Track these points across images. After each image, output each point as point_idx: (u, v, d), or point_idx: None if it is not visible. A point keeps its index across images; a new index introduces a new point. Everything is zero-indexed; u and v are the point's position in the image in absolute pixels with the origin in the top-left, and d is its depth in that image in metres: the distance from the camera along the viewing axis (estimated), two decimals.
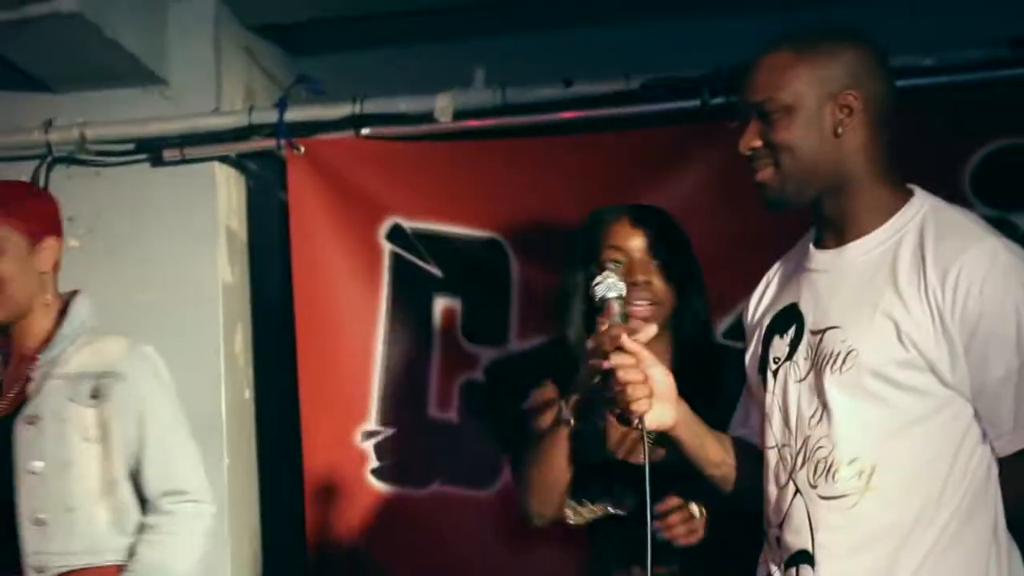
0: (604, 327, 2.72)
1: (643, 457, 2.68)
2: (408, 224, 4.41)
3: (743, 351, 2.85)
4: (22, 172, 4.59)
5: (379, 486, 4.38)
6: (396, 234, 4.41)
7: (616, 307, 2.74)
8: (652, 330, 2.76)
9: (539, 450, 3.02)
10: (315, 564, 4.34)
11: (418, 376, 4.39)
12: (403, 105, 4.44)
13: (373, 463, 4.38)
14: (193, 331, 4.40)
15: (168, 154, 4.49)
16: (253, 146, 4.53)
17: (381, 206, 4.41)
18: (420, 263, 4.41)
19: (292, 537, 4.45)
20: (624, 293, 2.75)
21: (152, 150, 4.52)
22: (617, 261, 3.07)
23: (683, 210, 4.20)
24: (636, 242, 3.13)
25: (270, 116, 4.48)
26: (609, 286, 2.75)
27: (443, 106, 4.39)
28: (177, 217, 4.51)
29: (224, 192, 4.56)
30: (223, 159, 4.57)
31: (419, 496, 4.36)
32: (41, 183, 4.52)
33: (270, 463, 4.68)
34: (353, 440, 4.38)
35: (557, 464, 2.99)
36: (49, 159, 4.54)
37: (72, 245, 4.45)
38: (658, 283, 3.12)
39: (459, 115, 4.41)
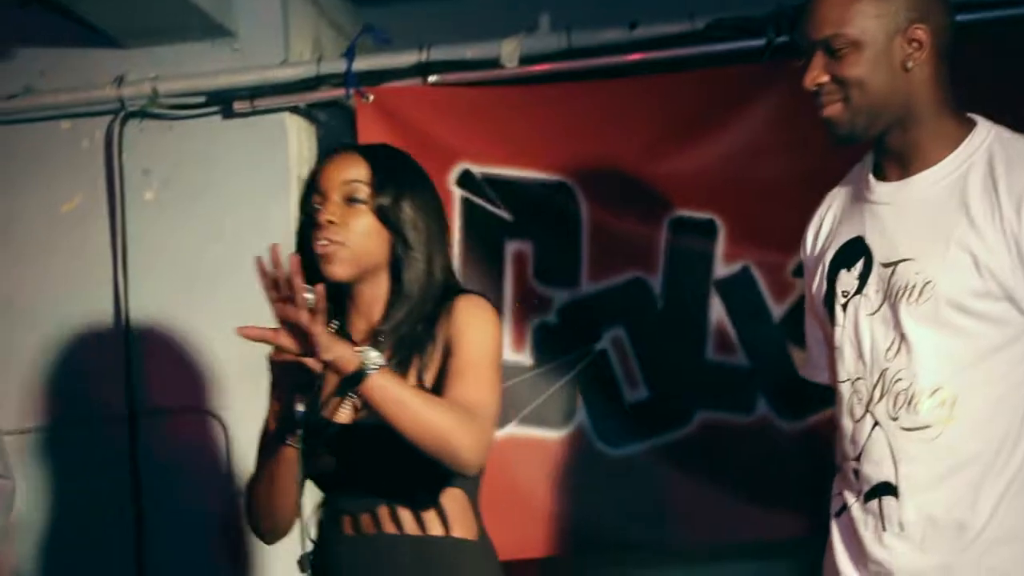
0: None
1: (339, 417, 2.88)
2: (478, 169, 4.43)
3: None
4: (95, 127, 4.65)
5: None
6: (466, 179, 4.43)
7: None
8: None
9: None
10: None
11: None
12: (469, 52, 4.46)
13: None
14: None
15: (238, 106, 4.53)
16: (322, 96, 4.55)
17: (450, 152, 4.44)
18: (491, 208, 4.43)
19: None
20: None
21: (222, 103, 4.56)
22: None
23: (749, 150, 4.27)
24: (333, 182, 2.94)
25: (338, 66, 4.50)
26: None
27: (509, 52, 4.41)
28: (249, 168, 4.56)
29: (294, 142, 4.60)
30: (292, 110, 4.60)
31: (496, 439, 4.36)
32: (115, 138, 4.57)
33: None
34: None
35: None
36: (122, 114, 4.59)
37: (147, 199, 4.53)
38: (357, 224, 2.92)
39: (525, 60, 4.42)
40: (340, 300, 2.97)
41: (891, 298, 2.65)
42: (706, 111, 4.32)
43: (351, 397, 2.83)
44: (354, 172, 2.95)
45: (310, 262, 2.87)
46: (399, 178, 2.98)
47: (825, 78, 2.67)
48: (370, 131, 4.44)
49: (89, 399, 4.54)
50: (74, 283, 4.60)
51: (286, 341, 2.68)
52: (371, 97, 4.45)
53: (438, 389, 2.84)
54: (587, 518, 4.38)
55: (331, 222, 2.90)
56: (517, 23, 4.45)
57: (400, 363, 2.86)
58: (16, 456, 4.42)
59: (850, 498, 2.74)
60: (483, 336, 2.90)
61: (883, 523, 2.67)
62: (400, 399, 2.69)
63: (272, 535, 3.00)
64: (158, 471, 4.47)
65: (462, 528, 2.92)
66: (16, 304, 4.60)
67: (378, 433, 2.76)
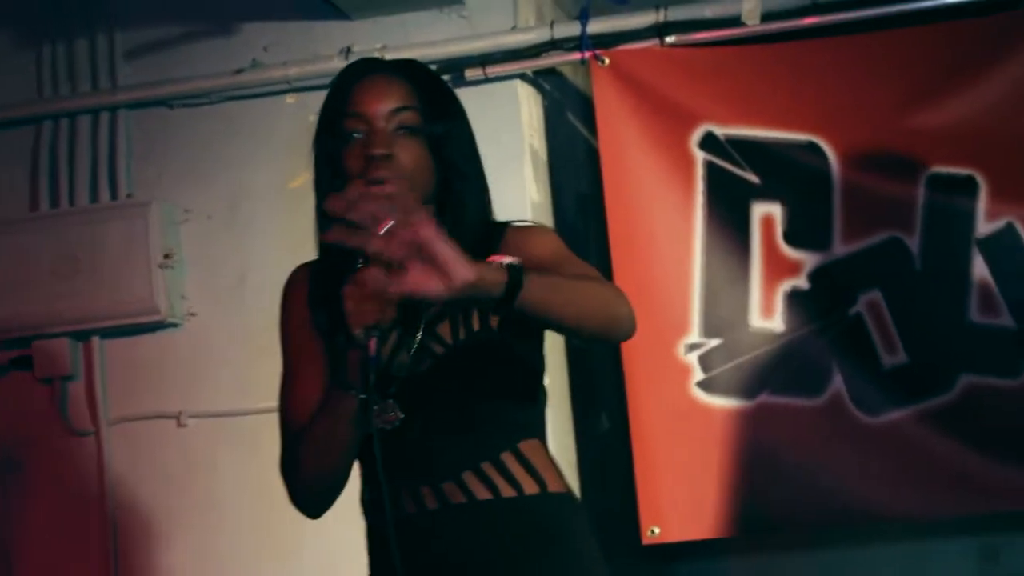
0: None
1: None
2: (721, 131, 4.32)
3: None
4: (321, 100, 4.53)
5: (706, 399, 4.31)
6: (709, 142, 4.33)
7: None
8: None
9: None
10: (643, 476, 4.27)
11: (739, 285, 4.32)
12: (708, 10, 4.35)
13: (699, 376, 4.30)
14: None
15: (470, 74, 4.44)
16: (556, 60, 4.47)
17: (692, 114, 4.33)
18: (735, 170, 4.32)
19: (614, 459, 4.41)
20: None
21: (453, 71, 4.46)
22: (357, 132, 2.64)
23: (1010, 102, 4.12)
24: (379, 108, 2.62)
25: (571, 29, 4.41)
26: None
27: (750, 9, 4.29)
28: (483, 137, 4.39)
29: (526, 110, 4.51)
30: (522, 77, 4.50)
31: (747, 408, 4.29)
32: None
33: (581, 381, 4.64)
34: (676, 353, 4.31)
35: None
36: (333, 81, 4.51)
37: None
38: (406, 156, 2.61)
39: (766, 17, 4.30)
40: None
41: None
42: (963, 63, 4.18)
43: (407, 345, 2.50)
44: (402, 97, 2.63)
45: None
46: (446, 103, 2.71)
47: None
48: (606, 95, 4.36)
49: None
50: (304, 259, 4.52)
51: (421, 281, 2.19)
52: (607, 60, 4.35)
53: (506, 331, 2.60)
54: (843, 487, 4.26)
55: (388, 156, 2.58)
56: None
57: (461, 305, 2.55)
58: (261, 434, 4.41)
59: None
60: (558, 243, 2.64)
61: None
62: (557, 286, 2.38)
63: (326, 505, 2.67)
64: None
65: (554, 482, 2.66)
66: (248, 281, 4.55)
67: (452, 385, 2.59)
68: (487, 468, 2.63)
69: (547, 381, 2.79)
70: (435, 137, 2.65)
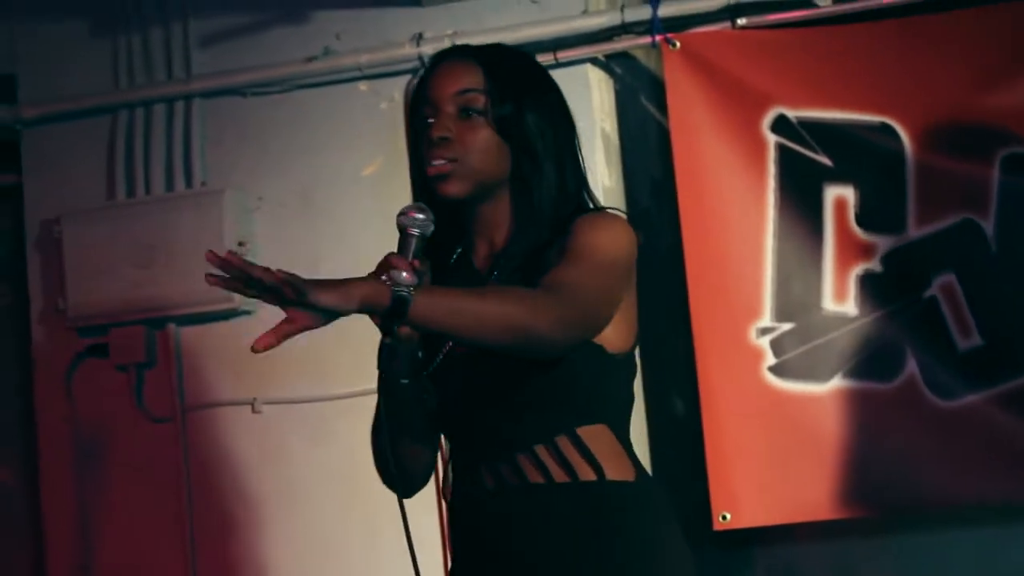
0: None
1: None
2: (793, 113, 4.29)
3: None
4: (394, 87, 4.61)
5: (778, 383, 4.28)
6: (781, 125, 4.29)
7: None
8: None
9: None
10: (714, 461, 4.26)
11: (812, 268, 4.28)
12: None
13: (770, 360, 4.28)
14: None
15: (541, 59, 4.35)
16: (626, 44, 4.47)
17: (764, 97, 4.31)
18: (808, 153, 4.29)
19: (685, 444, 4.39)
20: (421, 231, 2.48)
21: None
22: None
23: None
24: (444, 92, 2.64)
25: (642, 13, 4.40)
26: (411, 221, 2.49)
27: None
28: None
29: (597, 94, 4.51)
30: (593, 61, 4.49)
31: (820, 392, 4.25)
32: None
33: (653, 365, 4.60)
34: (748, 337, 4.28)
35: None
36: (421, 72, 4.51)
37: None
38: (475, 138, 2.63)
39: None
40: (461, 224, 2.72)
41: None
42: None
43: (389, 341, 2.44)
44: (468, 79, 2.65)
45: (424, 182, 2.65)
46: (519, 83, 2.69)
47: None
48: (677, 78, 4.35)
49: None
50: (378, 247, 4.51)
51: (302, 320, 2.34)
52: (678, 44, 4.34)
53: None
54: (918, 472, 4.21)
55: (444, 138, 2.61)
56: None
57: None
58: (334, 421, 4.45)
59: None
60: (601, 236, 2.61)
61: None
62: (455, 308, 2.40)
63: (404, 485, 2.69)
64: None
65: (615, 469, 2.63)
66: (322, 269, 4.56)
67: (507, 364, 2.57)
68: (541, 451, 2.63)
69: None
70: (503, 118, 2.65)
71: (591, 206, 2.75)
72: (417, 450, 2.74)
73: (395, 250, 2.50)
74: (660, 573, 2.63)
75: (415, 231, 2.51)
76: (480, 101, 2.65)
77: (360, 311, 2.33)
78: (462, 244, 2.75)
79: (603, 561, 2.59)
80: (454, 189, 2.63)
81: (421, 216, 2.51)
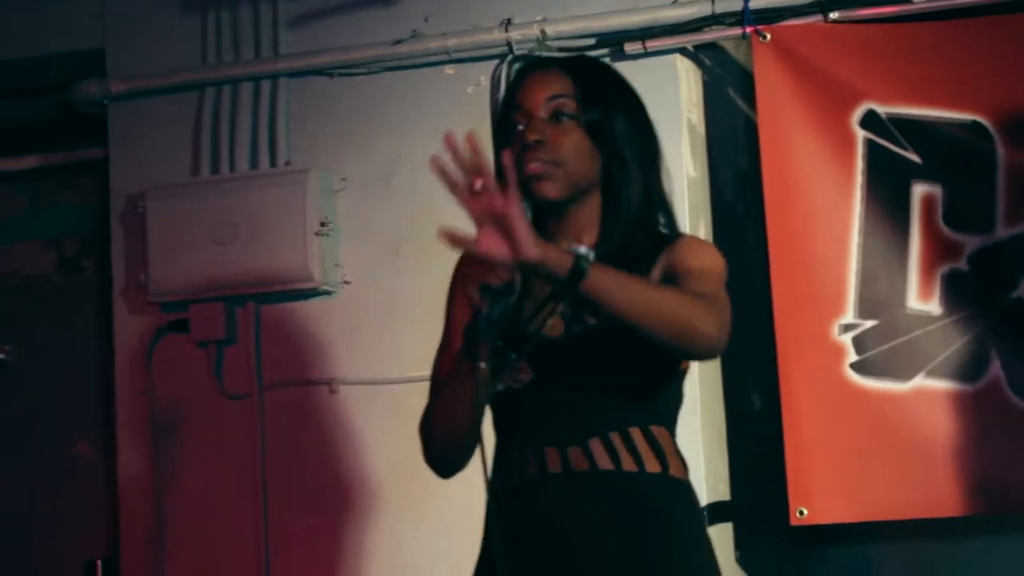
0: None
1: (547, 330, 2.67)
2: (883, 109, 4.26)
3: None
4: (481, 72, 4.60)
5: (859, 381, 4.25)
6: (870, 120, 4.26)
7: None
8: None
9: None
10: (793, 456, 4.23)
11: (897, 266, 4.25)
12: None
13: (852, 357, 4.25)
14: None
15: (629, 48, 4.42)
16: (716, 35, 4.43)
17: (854, 92, 4.28)
18: (897, 149, 4.25)
19: (764, 439, 4.37)
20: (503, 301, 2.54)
21: (611, 45, 4.45)
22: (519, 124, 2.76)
23: None
24: (536, 98, 2.74)
25: (733, 4, 4.37)
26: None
27: None
28: None
29: (685, 85, 4.48)
30: (681, 51, 4.47)
31: (902, 391, 4.22)
32: (501, 83, 4.51)
33: (732, 359, 4.58)
34: (831, 334, 4.26)
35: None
36: (509, 57, 4.52)
37: None
38: (567, 141, 2.73)
39: None
40: (543, 224, 2.77)
41: None
42: None
43: (559, 310, 2.61)
44: (558, 86, 2.75)
45: (521, 183, 2.66)
46: (607, 90, 2.81)
47: None
48: (767, 71, 4.32)
49: None
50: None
51: (490, 244, 2.44)
52: (768, 36, 4.31)
53: None
54: (999, 477, 4.18)
55: (539, 141, 2.70)
56: None
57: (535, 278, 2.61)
58: (411, 402, 4.43)
59: None
60: (710, 261, 2.73)
61: None
62: (626, 285, 2.51)
63: (454, 466, 2.79)
64: None
65: (675, 467, 2.72)
66: (402, 251, 4.58)
67: (594, 351, 2.65)
68: (614, 438, 2.68)
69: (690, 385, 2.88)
70: (593, 124, 2.74)
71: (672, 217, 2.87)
72: (462, 432, 2.73)
73: (472, 234, 2.53)
74: (708, 573, 2.75)
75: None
76: (571, 106, 2.75)
77: (541, 264, 2.43)
78: None
79: (660, 551, 2.66)
80: (551, 191, 2.72)
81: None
